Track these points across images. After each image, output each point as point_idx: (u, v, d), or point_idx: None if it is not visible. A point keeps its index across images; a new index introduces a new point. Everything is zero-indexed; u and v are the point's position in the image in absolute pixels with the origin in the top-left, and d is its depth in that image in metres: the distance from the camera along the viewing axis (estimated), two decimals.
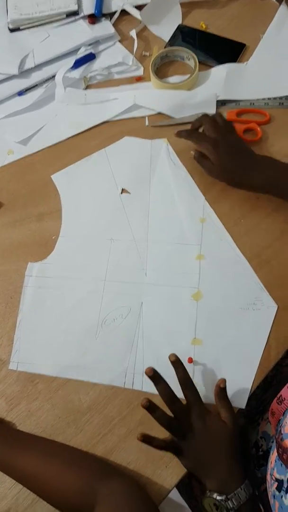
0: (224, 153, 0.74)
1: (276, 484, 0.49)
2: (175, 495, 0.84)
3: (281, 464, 0.48)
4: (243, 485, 0.55)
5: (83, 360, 0.70)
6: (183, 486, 0.82)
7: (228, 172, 0.74)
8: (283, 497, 0.47)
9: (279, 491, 0.48)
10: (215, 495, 0.55)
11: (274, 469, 0.50)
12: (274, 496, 0.49)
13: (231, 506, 0.54)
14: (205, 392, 0.66)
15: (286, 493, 0.47)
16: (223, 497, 0.55)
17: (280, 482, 0.48)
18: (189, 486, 0.80)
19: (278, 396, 0.55)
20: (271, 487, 0.50)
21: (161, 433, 0.64)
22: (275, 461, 0.50)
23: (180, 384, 0.61)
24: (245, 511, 0.54)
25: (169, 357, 0.62)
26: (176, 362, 0.61)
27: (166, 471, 0.62)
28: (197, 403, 0.61)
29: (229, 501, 0.54)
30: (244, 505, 0.54)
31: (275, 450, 0.51)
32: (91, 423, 0.66)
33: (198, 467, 0.60)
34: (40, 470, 0.58)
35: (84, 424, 0.66)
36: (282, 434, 0.50)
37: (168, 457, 0.63)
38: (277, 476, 0.49)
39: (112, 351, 0.70)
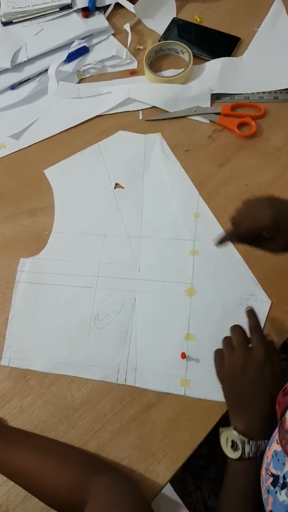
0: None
1: (271, 479, 0.49)
2: (169, 490, 0.84)
3: (278, 460, 0.48)
4: (265, 441, 0.55)
5: (76, 356, 0.69)
6: (177, 481, 0.81)
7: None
8: (278, 493, 0.47)
9: (274, 487, 0.48)
10: (237, 433, 0.57)
11: (270, 463, 0.50)
12: (268, 491, 0.49)
13: (247, 450, 0.55)
14: (198, 388, 0.65)
15: (281, 489, 0.47)
16: (246, 439, 0.56)
17: (276, 478, 0.48)
18: (183, 482, 0.80)
19: (284, 388, 0.54)
20: (266, 482, 0.50)
21: (154, 429, 0.64)
22: (272, 456, 0.50)
23: (249, 328, 0.63)
24: (255, 464, 0.54)
25: (246, 309, 0.64)
26: (251, 312, 0.63)
27: (158, 467, 0.62)
28: (261, 347, 0.60)
29: (247, 446, 0.55)
30: (255, 459, 0.55)
31: (272, 444, 0.51)
32: (83, 419, 0.66)
33: (235, 402, 0.60)
34: (32, 466, 0.58)
35: (77, 420, 0.66)
36: (286, 429, 0.49)
37: (161, 453, 0.63)
38: (273, 471, 0.49)
39: (105, 347, 0.69)
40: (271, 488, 0.48)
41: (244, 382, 0.60)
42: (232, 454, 0.57)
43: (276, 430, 0.50)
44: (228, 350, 0.62)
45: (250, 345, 0.62)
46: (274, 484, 0.48)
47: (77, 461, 0.60)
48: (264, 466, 0.51)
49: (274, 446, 0.50)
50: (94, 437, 0.64)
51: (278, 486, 0.47)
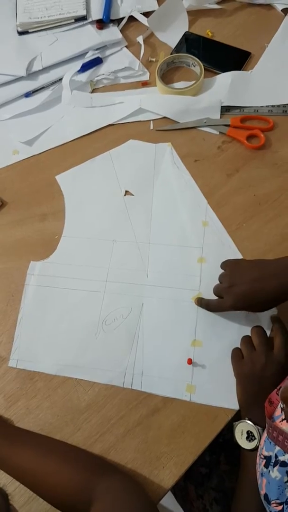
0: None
1: (264, 461, 0.50)
2: (170, 498, 0.84)
3: (270, 442, 0.49)
4: None
5: (83, 359, 0.70)
6: (179, 489, 0.81)
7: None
8: (271, 471, 0.48)
9: (267, 467, 0.49)
10: (252, 423, 0.60)
11: (263, 448, 0.52)
12: (262, 474, 0.50)
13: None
14: (204, 393, 0.66)
15: (273, 467, 0.48)
16: (261, 428, 0.59)
17: (268, 458, 0.50)
18: (184, 490, 0.80)
19: (278, 387, 0.55)
20: (260, 466, 0.51)
21: (160, 434, 0.64)
22: (265, 442, 0.51)
23: (274, 329, 0.67)
24: None
25: (271, 316, 0.69)
26: (277, 318, 0.69)
27: (163, 472, 0.62)
28: (283, 348, 0.64)
29: (262, 434, 0.57)
30: None
31: (265, 433, 0.52)
32: (89, 422, 0.66)
33: (250, 397, 0.63)
34: (38, 466, 0.58)
35: (82, 423, 0.66)
36: (273, 417, 0.52)
37: (165, 458, 0.63)
38: (266, 453, 0.50)
39: (112, 351, 0.70)
40: (264, 470, 0.50)
41: (263, 379, 0.62)
42: (248, 445, 0.60)
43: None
44: (248, 349, 0.65)
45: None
46: (266, 465, 0.50)
47: (82, 461, 0.60)
48: (258, 453, 0.53)
49: (266, 434, 0.51)
50: (99, 440, 0.65)
51: (271, 465, 0.49)
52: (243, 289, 0.63)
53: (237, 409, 0.65)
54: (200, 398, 0.66)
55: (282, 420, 0.50)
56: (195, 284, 0.74)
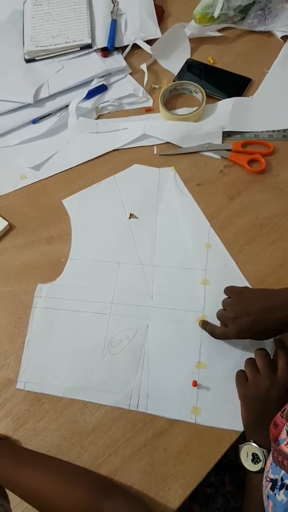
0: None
1: (270, 484, 0.51)
2: None
3: (276, 466, 0.50)
4: None
5: (89, 381, 0.71)
6: (184, 509, 0.82)
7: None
8: (277, 494, 0.49)
9: (273, 490, 0.50)
10: (257, 446, 0.61)
11: (269, 471, 0.52)
12: (268, 497, 0.51)
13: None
14: (209, 415, 0.67)
15: (279, 490, 0.49)
16: (266, 451, 0.60)
17: (274, 482, 0.50)
18: (190, 510, 0.80)
19: (282, 409, 0.56)
20: (266, 489, 0.52)
21: (165, 455, 0.65)
22: (270, 464, 0.52)
23: (278, 352, 0.68)
24: None
25: (275, 339, 0.70)
26: (281, 341, 0.70)
27: (169, 493, 0.63)
28: (285, 371, 0.65)
29: (268, 456, 0.59)
30: None
31: (270, 456, 0.53)
32: (96, 444, 0.67)
33: (254, 419, 0.64)
34: (46, 487, 0.59)
35: (89, 445, 0.67)
36: (278, 440, 0.52)
37: (171, 479, 0.64)
38: (272, 476, 0.51)
39: (117, 373, 0.72)
40: (270, 492, 0.50)
41: (267, 401, 0.63)
42: (253, 467, 0.61)
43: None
44: (252, 371, 0.67)
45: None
46: (273, 488, 0.50)
47: (89, 482, 0.61)
48: (264, 475, 0.54)
49: (271, 458, 0.52)
50: (106, 462, 0.66)
51: (277, 488, 0.49)
52: (248, 320, 0.65)
53: (241, 431, 0.66)
54: (205, 420, 0.67)
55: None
56: (199, 306, 0.75)
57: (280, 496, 0.49)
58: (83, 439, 0.68)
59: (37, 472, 0.62)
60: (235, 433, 0.66)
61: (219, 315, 0.69)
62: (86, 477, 0.63)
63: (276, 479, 0.50)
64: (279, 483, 0.49)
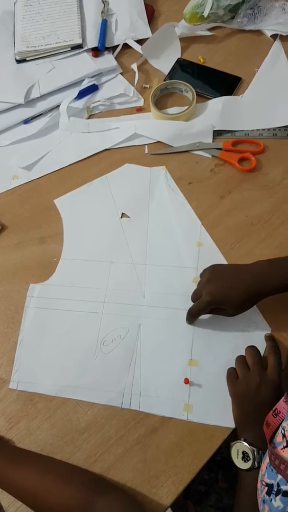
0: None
1: (266, 488, 0.51)
2: None
3: (272, 470, 0.50)
4: None
5: (82, 380, 0.72)
6: (178, 507, 0.82)
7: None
8: (273, 500, 0.49)
9: (269, 495, 0.50)
10: (247, 444, 0.61)
11: (264, 475, 0.52)
12: (264, 501, 0.51)
13: (258, 460, 0.60)
14: (201, 412, 0.68)
15: (275, 496, 0.49)
16: (256, 449, 0.60)
17: (270, 486, 0.50)
18: (184, 507, 0.81)
19: (273, 409, 0.57)
20: (261, 493, 0.52)
21: (158, 453, 0.65)
22: (266, 468, 0.52)
23: (268, 348, 0.69)
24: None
25: (265, 335, 0.71)
26: (271, 336, 0.71)
27: (161, 490, 0.63)
28: (277, 368, 0.66)
29: (257, 455, 0.60)
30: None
31: (266, 457, 0.53)
32: (88, 442, 0.68)
33: (245, 417, 0.65)
34: (39, 485, 0.60)
35: (82, 443, 0.68)
36: (274, 443, 0.52)
37: (164, 477, 0.64)
38: (268, 481, 0.51)
39: (110, 372, 0.72)
40: (266, 497, 0.50)
41: (258, 399, 0.64)
42: (243, 465, 0.61)
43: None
44: (242, 369, 0.67)
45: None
46: (268, 493, 0.50)
47: (82, 480, 0.61)
48: (259, 478, 0.54)
49: (268, 460, 0.52)
50: (98, 460, 0.66)
51: (273, 493, 0.49)
52: (219, 285, 0.66)
53: (233, 427, 0.66)
54: (197, 417, 0.67)
55: (284, 447, 0.50)
56: (190, 304, 0.75)
57: (277, 502, 0.49)
58: (76, 437, 0.68)
59: (30, 471, 0.62)
60: (227, 430, 0.66)
61: (192, 294, 0.71)
62: (79, 475, 0.63)
63: (272, 484, 0.50)
64: (275, 489, 0.49)
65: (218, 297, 0.67)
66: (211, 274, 0.69)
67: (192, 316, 0.71)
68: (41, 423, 0.69)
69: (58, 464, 0.65)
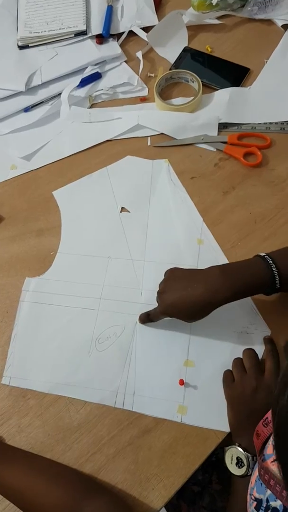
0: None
1: (255, 503, 0.49)
2: None
3: (261, 484, 0.48)
4: None
5: (75, 378, 0.70)
6: (172, 507, 0.81)
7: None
8: None
9: (258, 510, 0.48)
10: (242, 450, 0.60)
11: (253, 488, 0.51)
12: None
13: (251, 466, 0.58)
14: (195, 415, 0.66)
15: (264, 511, 0.47)
16: (251, 455, 0.59)
17: (259, 502, 0.49)
18: (177, 508, 0.80)
19: (264, 418, 0.55)
20: (250, 506, 0.51)
21: (150, 455, 0.64)
22: (255, 481, 0.51)
23: (266, 352, 0.67)
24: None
25: (264, 337, 0.69)
26: (270, 339, 0.69)
27: (152, 493, 0.62)
28: (275, 372, 0.64)
29: (252, 462, 0.58)
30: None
31: (256, 470, 0.51)
32: (80, 441, 0.66)
33: (240, 421, 0.63)
34: (27, 485, 0.58)
35: (73, 442, 0.66)
36: (264, 455, 0.50)
37: (155, 480, 0.63)
38: (257, 495, 0.49)
39: (104, 370, 0.70)
40: None
41: (254, 403, 0.62)
42: (237, 471, 0.60)
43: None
44: (239, 372, 0.65)
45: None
46: (257, 508, 0.48)
47: (72, 482, 0.60)
48: (248, 491, 0.52)
49: (257, 472, 0.50)
50: (90, 460, 0.65)
51: (262, 509, 0.48)
52: (171, 297, 0.64)
53: (228, 431, 0.65)
54: (191, 420, 0.66)
55: (274, 460, 0.48)
56: None
57: None
58: (68, 436, 0.67)
59: (19, 470, 0.61)
60: (222, 434, 0.65)
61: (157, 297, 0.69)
62: (68, 476, 0.62)
63: (261, 499, 0.48)
64: (264, 504, 0.47)
65: (170, 310, 0.65)
66: (166, 283, 0.67)
67: (143, 321, 0.71)
68: (33, 420, 0.68)
69: (48, 464, 0.64)
